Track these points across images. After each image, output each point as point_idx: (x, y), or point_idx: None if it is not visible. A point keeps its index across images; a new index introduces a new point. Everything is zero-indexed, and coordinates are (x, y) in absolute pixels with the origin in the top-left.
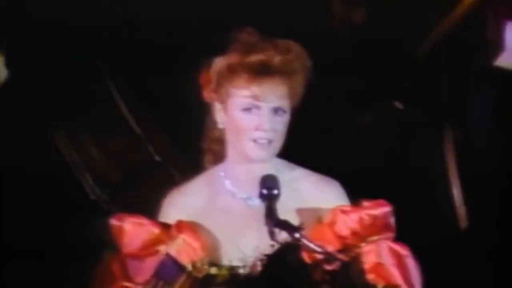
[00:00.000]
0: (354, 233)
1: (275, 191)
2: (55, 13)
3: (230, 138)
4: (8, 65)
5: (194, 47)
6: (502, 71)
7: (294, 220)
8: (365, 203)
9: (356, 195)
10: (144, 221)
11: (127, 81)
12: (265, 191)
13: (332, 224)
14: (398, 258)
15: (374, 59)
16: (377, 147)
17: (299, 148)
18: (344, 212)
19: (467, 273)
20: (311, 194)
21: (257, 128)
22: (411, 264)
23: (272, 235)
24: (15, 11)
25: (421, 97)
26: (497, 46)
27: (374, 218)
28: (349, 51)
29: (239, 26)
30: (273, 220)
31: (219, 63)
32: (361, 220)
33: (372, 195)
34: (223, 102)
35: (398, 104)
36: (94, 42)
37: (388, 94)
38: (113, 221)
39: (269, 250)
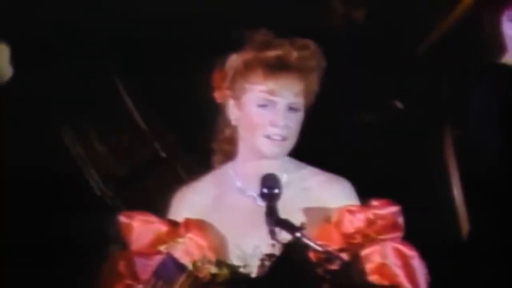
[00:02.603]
0: (360, 233)
1: (276, 190)
2: (62, 8)
3: (243, 135)
4: (14, 60)
5: (201, 45)
6: (503, 70)
7: (302, 219)
8: (374, 203)
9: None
10: (153, 219)
11: (133, 77)
12: (265, 190)
13: (338, 223)
14: (404, 259)
15: (374, 58)
16: (376, 147)
17: (298, 147)
18: (350, 212)
19: (468, 273)
20: (320, 193)
21: (271, 124)
22: (417, 265)
23: (272, 234)
24: (21, 7)
25: (421, 97)
26: (497, 42)
27: (382, 217)
28: (349, 50)
29: (242, 27)
30: (273, 219)
31: (234, 59)
32: (368, 219)
33: (371, 195)
34: (237, 98)
35: (398, 104)
36: (101, 37)
37: (388, 94)
38: (122, 219)
39: (270, 249)
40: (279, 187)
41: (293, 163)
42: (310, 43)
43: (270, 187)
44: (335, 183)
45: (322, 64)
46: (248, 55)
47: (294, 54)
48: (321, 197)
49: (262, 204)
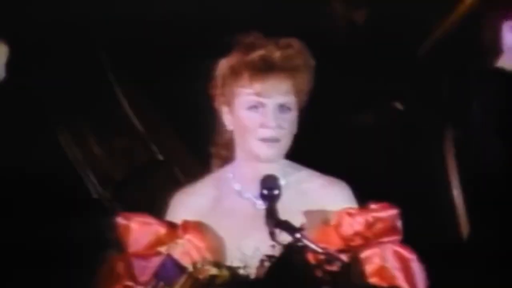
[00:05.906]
0: (359, 236)
1: (276, 191)
2: (60, 9)
3: (238, 139)
4: (10, 61)
5: (198, 46)
6: (502, 72)
7: (300, 222)
8: (372, 206)
9: (355, 196)
10: (151, 220)
11: (131, 79)
12: (265, 192)
13: (337, 226)
14: (403, 262)
15: (375, 59)
16: (376, 148)
17: (297, 148)
18: (350, 214)
19: (468, 275)
20: (318, 195)
21: (262, 126)
22: (416, 268)
23: (272, 235)
24: (17, 8)
25: (421, 98)
26: (495, 47)
27: (381, 220)
28: (349, 51)
29: (242, 29)
30: (273, 220)
31: (222, 65)
32: (367, 222)
33: (371, 196)
34: (229, 104)
35: (398, 105)
36: (100, 40)
37: (389, 95)
38: (120, 220)
39: (270, 251)
40: (279, 188)
41: (291, 166)
42: (294, 42)
43: (269, 188)
44: (333, 186)
45: (310, 62)
46: (233, 59)
47: (277, 54)
48: (320, 200)
49: (260, 206)
